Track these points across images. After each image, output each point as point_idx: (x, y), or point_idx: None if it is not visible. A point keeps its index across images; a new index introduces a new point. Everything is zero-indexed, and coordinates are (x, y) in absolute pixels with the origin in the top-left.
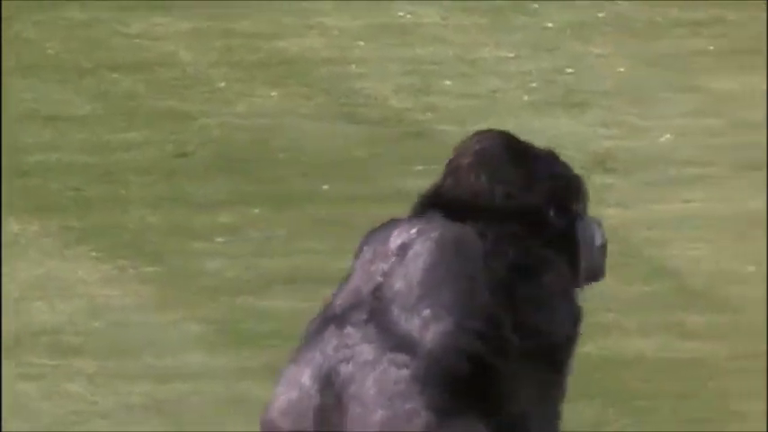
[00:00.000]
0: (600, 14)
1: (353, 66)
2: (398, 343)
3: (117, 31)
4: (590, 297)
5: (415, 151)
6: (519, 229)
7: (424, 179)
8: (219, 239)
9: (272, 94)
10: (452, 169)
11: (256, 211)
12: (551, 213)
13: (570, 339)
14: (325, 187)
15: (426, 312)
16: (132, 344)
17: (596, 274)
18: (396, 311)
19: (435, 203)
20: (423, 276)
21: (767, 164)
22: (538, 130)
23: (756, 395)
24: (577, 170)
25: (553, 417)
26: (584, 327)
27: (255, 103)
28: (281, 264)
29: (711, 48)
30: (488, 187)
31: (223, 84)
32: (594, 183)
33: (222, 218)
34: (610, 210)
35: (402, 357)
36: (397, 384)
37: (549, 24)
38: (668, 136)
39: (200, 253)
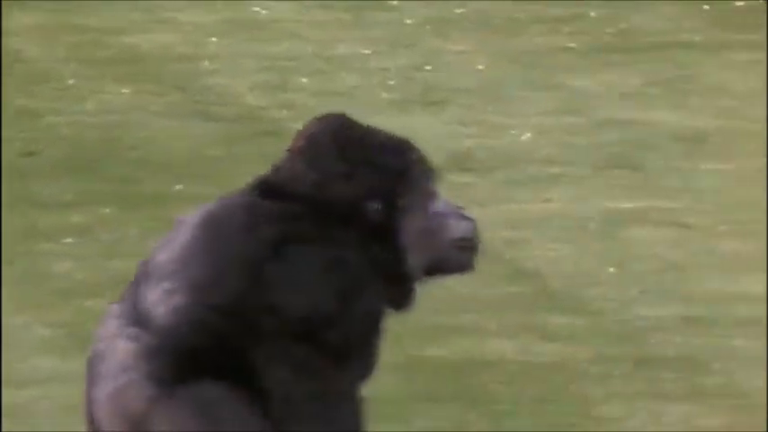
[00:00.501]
0: (459, 10)
1: (207, 62)
2: (138, 318)
3: None
4: (448, 298)
5: (271, 150)
6: (305, 211)
7: None
8: (68, 240)
9: (123, 91)
10: (286, 152)
11: (107, 211)
12: (373, 206)
13: (331, 318)
14: (178, 187)
15: (166, 285)
16: None
17: (446, 267)
18: (149, 286)
19: (256, 186)
20: (178, 251)
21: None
22: (396, 129)
23: (617, 399)
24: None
25: (317, 398)
26: (443, 328)
27: (105, 100)
28: (132, 265)
29: (572, 45)
30: (302, 173)
31: (72, 81)
32: (453, 182)
33: (71, 218)
34: (469, 209)
35: (135, 331)
36: (126, 358)
37: (408, 21)
38: (528, 135)
39: (49, 254)
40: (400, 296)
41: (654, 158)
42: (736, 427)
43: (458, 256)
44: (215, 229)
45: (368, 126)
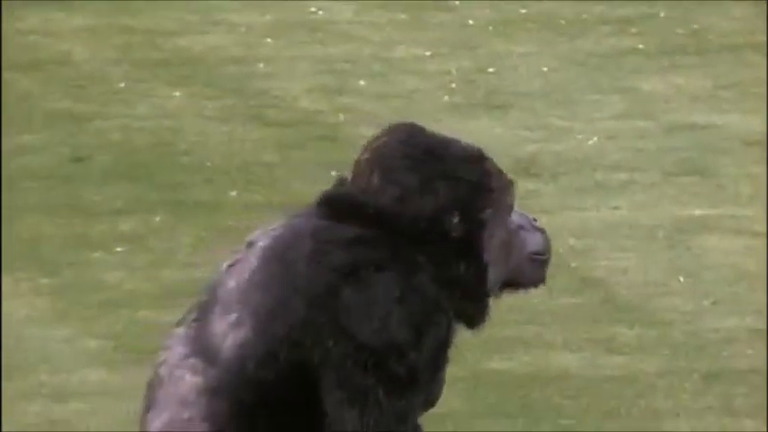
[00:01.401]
0: (523, 11)
1: (261, 65)
2: (203, 348)
3: (9, 27)
4: (512, 309)
5: (328, 155)
6: (376, 232)
7: None
8: (119, 249)
9: (175, 94)
10: (354, 165)
11: (158, 219)
12: (453, 219)
13: (402, 350)
14: (232, 194)
15: (233, 317)
16: (27, 360)
17: (521, 281)
18: (216, 314)
19: (325, 200)
20: (246, 279)
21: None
22: (458, 133)
23: (687, 414)
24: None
25: (371, 428)
26: (507, 340)
27: (157, 104)
28: (183, 275)
29: (641, 46)
30: (380, 187)
31: (122, 84)
32: (518, 188)
33: (122, 226)
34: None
35: (201, 364)
36: (187, 392)
37: (470, 21)
38: (595, 139)
39: (99, 263)
40: (475, 312)
41: (725, 164)
42: None
43: (532, 269)
44: (282, 256)
45: (438, 135)
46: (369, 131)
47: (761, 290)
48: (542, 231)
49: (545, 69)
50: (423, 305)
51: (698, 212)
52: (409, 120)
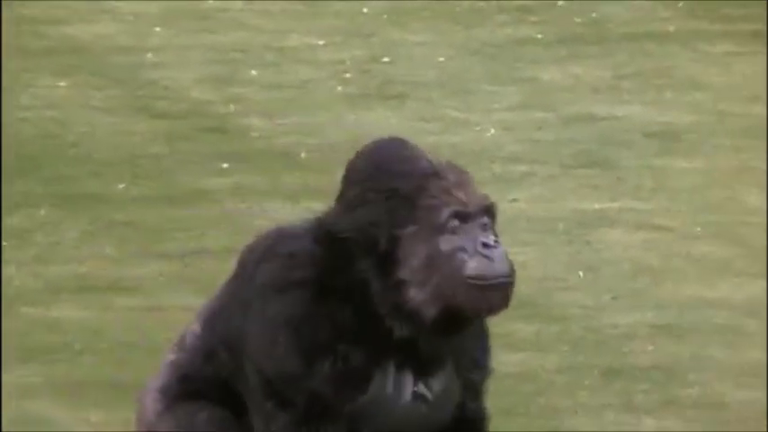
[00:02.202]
0: None
1: (150, 54)
2: (181, 339)
3: None
4: None
5: (218, 147)
6: (318, 249)
7: (228, 178)
8: (5, 244)
9: (61, 84)
10: None
11: (43, 212)
12: (378, 233)
13: (293, 377)
14: (120, 187)
15: (201, 309)
16: None
17: (461, 306)
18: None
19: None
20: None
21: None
22: (353, 124)
23: (586, 412)
24: None
25: None
26: None
27: (41, 94)
28: (70, 270)
29: (539, 36)
30: (336, 201)
31: (5, 73)
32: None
33: (6, 220)
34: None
35: (177, 345)
36: (162, 368)
37: (365, 9)
38: (492, 131)
39: None
40: (412, 332)
41: (626, 156)
42: None
43: (471, 295)
44: (243, 257)
45: (417, 153)
46: (260, 122)
47: (662, 285)
48: (490, 258)
49: (441, 59)
50: (314, 333)
51: (598, 206)
52: (302, 110)
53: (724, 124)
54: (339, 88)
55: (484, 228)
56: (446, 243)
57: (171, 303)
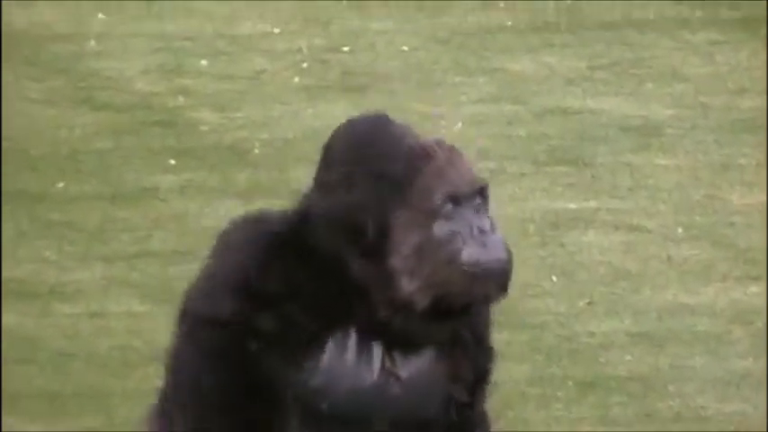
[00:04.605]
0: None
1: (92, 42)
2: None
3: None
4: None
5: (165, 142)
6: (289, 230)
7: (176, 175)
8: None
9: None
10: None
11: None
12: (366, 219)
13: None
14: (60, 185)
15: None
16: None
17: (455, 296)
18: None
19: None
20: None
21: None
22: (310, 118)
23: (560, 425)
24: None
25: None
26: None
27: None
28: (8, 274)
29: (509, 23)
30: (315, 179)
31: None
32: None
33: None
34: None
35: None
36: None
37: None
38: (460, 125)
39: None
40: (403, 325)
41: (602, 152)
42: None
43: (465, 282)
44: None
45: (403, 131)
46: (211, 116)
47: (640, 290)
48: (486, 244)
49: (405, 48)
50: (260, 282)
51: (572, 206)
52: (256, 103)
53: (707, 118)
54: (296, 79)
55: (478, 210)
56: (440, 229)
57: (114, 310)
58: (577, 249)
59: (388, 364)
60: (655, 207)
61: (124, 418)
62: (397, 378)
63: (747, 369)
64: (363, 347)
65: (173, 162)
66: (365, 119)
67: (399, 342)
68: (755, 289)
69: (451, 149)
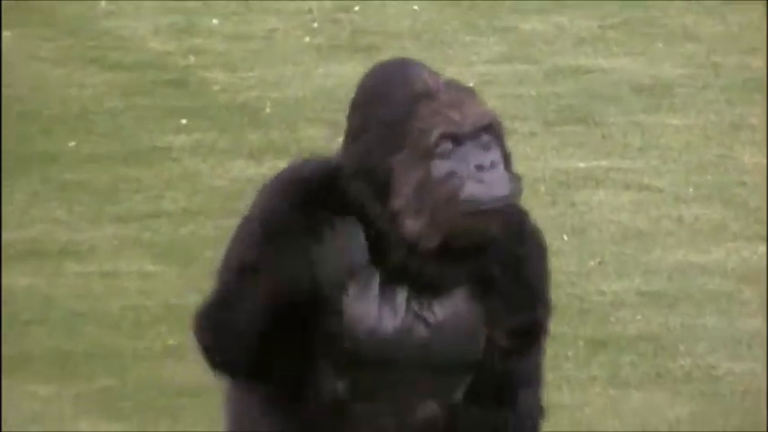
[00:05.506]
0: None
1: (103, 2)
2: None
3: None
4: None
5: (177, 101)
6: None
7: (188, 135)
8: None
9: (6, 34)
10: None
11: None
12: (374, 162)
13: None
14: (71, 145)
15: None
16: None
17: (461, 234)
18: None
19: None
20: None
21: None
22: (321, 77)
23: (570, 385)
24: None
25: None
26: None
27: None
28: (18, 236)
29: None
30: (347, 125)
31: None
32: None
33: None
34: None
35: None
36: None
37: None
38: (471, 84)
39: None
40: (429, 268)
41: (613, 112)
42: (705, 416)
43: (467, 220)
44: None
45: (417, 74)
46: (222, 76)
47: (651, 249)
48: (484, 181)
49: (415, 8)
50: (285, 226)
51: (583, 165)
52: (267, 63)
53: (718, 78)
54: (306, 39)
55: (485, 148)
56: (438, 168)
57: (126, 269)
58: (588, 209)
59: (415, 307)
60: (665, 166)
61: (136, 378)
62: (425, 321)
63: (758, 328)
64: (388, 291)
65: (184, 122)
66: (386, 64)
67: (425, 286)
68: (766, 248)
69: (459, 89)
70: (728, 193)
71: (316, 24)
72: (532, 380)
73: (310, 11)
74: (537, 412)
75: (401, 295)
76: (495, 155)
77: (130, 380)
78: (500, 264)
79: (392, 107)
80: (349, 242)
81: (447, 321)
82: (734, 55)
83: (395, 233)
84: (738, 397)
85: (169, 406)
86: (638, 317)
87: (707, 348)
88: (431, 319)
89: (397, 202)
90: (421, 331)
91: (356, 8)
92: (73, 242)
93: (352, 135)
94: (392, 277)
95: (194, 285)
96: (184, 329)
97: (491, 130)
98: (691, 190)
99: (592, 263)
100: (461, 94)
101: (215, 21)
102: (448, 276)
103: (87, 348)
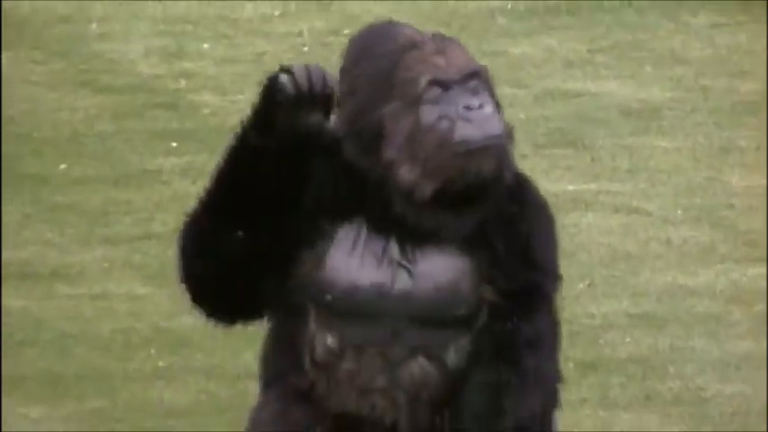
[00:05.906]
0: None
1: (94, 25)
2: None
3: None
4: None
5: (167, 125)
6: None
7: (178, 158)
8: None
9: (4, 54)
10: None
11: None
12: (366, 115)
13: None
14: (62, 167)
15: None
16: None
17: (457, 177)
18: None
19: None
20: None
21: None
22: None
23: (560, 407)
24: None
25: None
26: None
27: None
28: (10, 257)
29: (509, 6)
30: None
31: None
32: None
33: None
34: None
35: None
36: None
37: None
38: None
39: None
40: (426, 219)
41: (602, 135)
42: None
43: (458, 161)
44: None
45: (400, 31)
46: (212, 99)
47: (640, 272)
48: (473, 120)
49: None
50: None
51: (571, 188)
52: (257, 86)
53: (707, 101)
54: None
55: (473, 92)
56: (427, 114)
57: (116, 292)
58: (577, 231)
59: (398, 257)
60: (654, 189)
61: (126, 400)
62: (408, 271)
63: (747, 351)
64: (373, 243)
65: (174, 144)
66: (369, 26)
67: (416, 237)
68: (755, 271)
69: (443, 39)
70: (717, 216)
71: (306, 48)
72: (543, 345)
73: (300, 34)
74: (551, 376)
75: (387, 247)
76: (483, 98)
77: (121, 401)
78: (496, 220)
79: (378, 61)
80: (336, 192)
81: (430, 272)
82: (722, 78)
83: (390, 184)
84: (727, 419)
85: (159, 427)
86: (628, 339)
87: (696, 370)
88: (414, 269)
89: (390, 152)
90: (404, 281)
91: (346, 31)
92: (64, 264)
93: (343, 98)
94: (380, 229)
95: (184, 308)
96: (174, 351)
97: (478, 77)
98: (679, 212)
99: (581, 285)
100: (446, 42)
101: (205, 45)
102: (444, 226)
103: (78, 370)
